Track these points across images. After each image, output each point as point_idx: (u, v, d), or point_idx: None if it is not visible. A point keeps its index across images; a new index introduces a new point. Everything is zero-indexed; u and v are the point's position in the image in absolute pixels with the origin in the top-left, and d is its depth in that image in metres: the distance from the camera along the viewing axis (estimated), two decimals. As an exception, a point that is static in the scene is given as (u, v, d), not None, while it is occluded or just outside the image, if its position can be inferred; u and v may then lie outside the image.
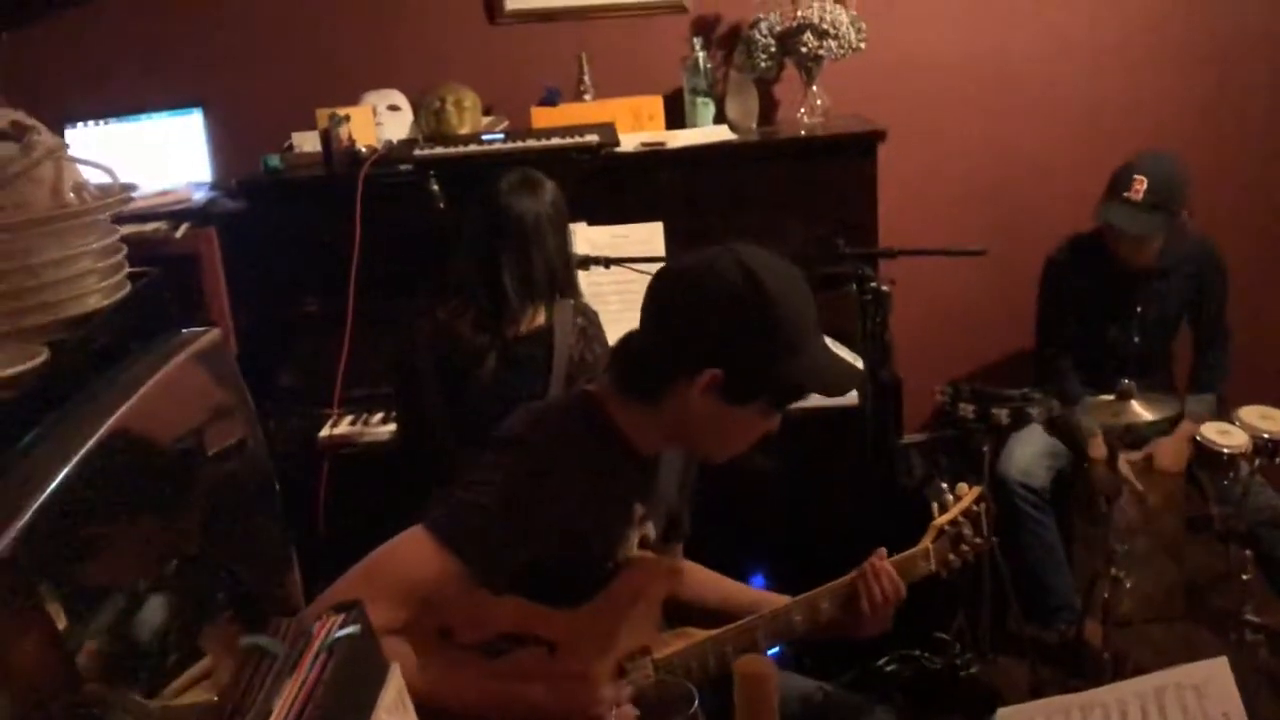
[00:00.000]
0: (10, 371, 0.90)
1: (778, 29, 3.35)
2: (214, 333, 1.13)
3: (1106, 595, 2.78)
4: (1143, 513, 3.07)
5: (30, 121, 1.01)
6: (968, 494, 1.96)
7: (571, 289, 2.61)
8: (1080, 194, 3.24)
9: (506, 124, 3.40)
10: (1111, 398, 2.66)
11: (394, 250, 3.06)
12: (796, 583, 1.86)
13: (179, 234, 2.95)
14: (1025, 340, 3.45)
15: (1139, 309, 3.24)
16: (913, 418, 3.47)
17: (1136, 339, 3.26)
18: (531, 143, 3.11)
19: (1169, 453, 3.06)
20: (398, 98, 3.43)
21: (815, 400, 2.91)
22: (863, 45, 3.34)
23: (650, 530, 1.75)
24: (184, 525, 1.07)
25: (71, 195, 0.99)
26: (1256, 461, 2.70)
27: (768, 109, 3.59)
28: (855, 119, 3.42)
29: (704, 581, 1.93)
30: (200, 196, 3.16)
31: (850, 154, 3.26)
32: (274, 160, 3.24)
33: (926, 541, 1.89)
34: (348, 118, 3.20)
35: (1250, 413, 2.76)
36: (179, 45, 3.46)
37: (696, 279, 1.53)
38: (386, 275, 3.04)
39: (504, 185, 2.55)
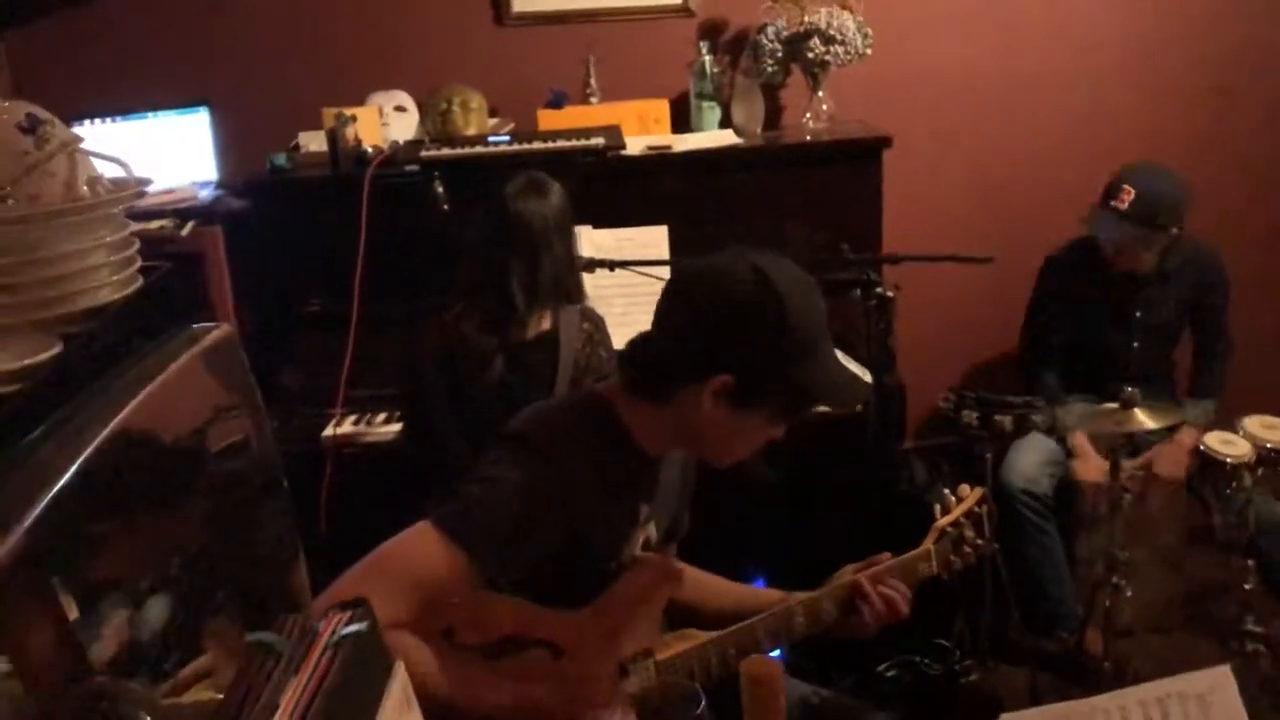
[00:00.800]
0: (23, 364, 0.90)
1: (785, 34, 3.36)
2: (224, 328, 1.13)
3: (1108, 604, 2.78)
4: (1142, 519, 3.07)
5: (45, 115, 1.01)
6: (970, 496, 1.96)
7: (577, 293, 2.61)
8: (1085, 202, 3.24)
9: (512, 126, 3.41)
10: (1114, 406, 2.66)
11: (399, 251, 3.06)
12: (799, 588, 1.86)
13: (184, 232, 2.95)
14: (1029, 348, 3.45)
15: (1138, 314, 3.25)
16: (916, 424, 3.48)
17: (1136, 345, 3.26)
18: (537, 145, 3.11)
19: (1168, 460, 3.05)
20: (404, 99, 3.44)
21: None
22: (869, 52, 3.35)
23: (653, 531, 1.76)
24: (192, 520, 1.07)
25: (85, 188, 1.00)
26: (1259, 471, 2.70)
27: (773, 114, 3.60)
28: (861, 125, 3.42)
29: (702, 583, 1.93)
30: (206, 195, 3.16)
31: (856, 160, 3.27)
32: (280, 159, 3.24)
33: (928, 543, 1.89)
34: (354, 118, 3.21)
35: (1254, 422, 2.77)
36: (186, 44, 3.47)
37: (711, 284, 1.53)
38: (391, 276, 3.04)
39: (511, 189, 2.55)
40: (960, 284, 3.56)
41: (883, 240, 3.24)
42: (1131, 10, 3.65)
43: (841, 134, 3.37)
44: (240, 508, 1.15)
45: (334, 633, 1.17)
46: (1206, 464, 2.80)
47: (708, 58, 3.44)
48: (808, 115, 3.42)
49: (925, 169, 3.65)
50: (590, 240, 3.02)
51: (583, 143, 3.11)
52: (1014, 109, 3.71)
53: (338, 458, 2.93)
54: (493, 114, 3.44)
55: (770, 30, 3.38)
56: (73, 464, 0.88)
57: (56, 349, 0.94)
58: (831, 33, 3.28)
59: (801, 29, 3.31)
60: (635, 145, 3.23)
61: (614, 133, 3.16)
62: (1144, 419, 2.62)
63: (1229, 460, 2.73)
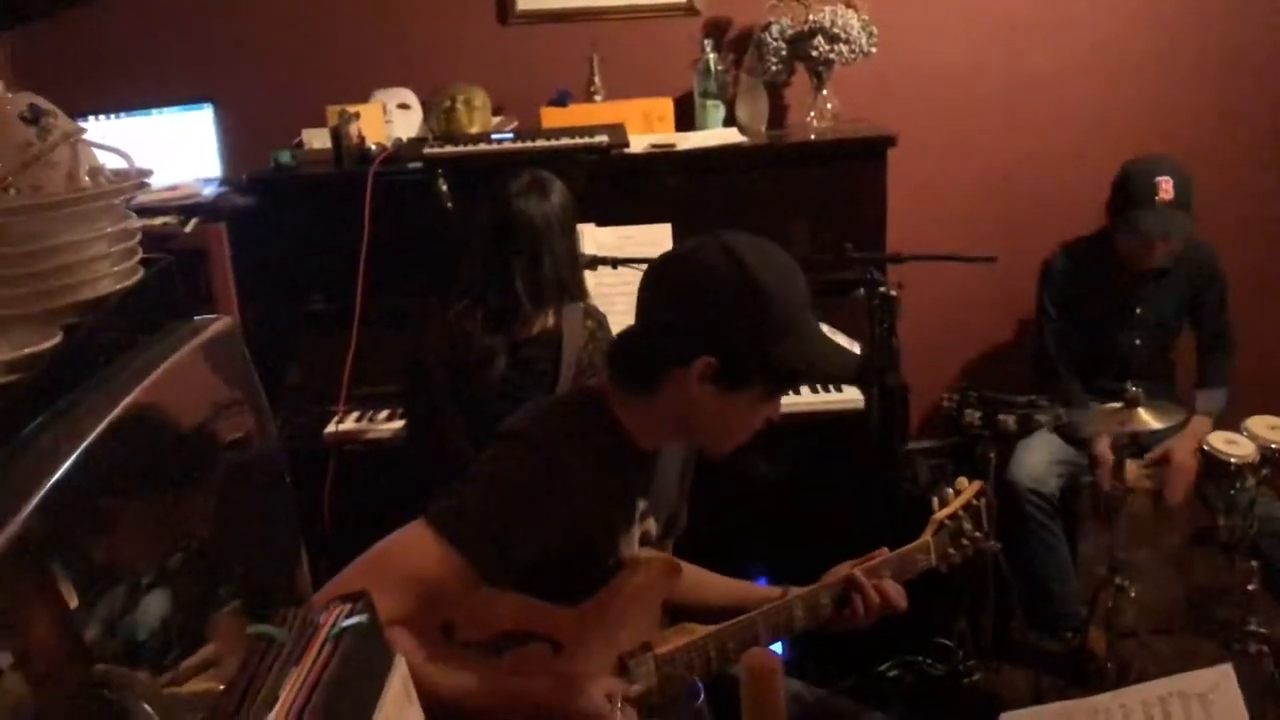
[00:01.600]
0: (23, 353, 0.90)
1: (789, 33, 3.36)
2: (226, 320, 1.13)
3: (1111, 604, 2.78)
4: (1157, 517, 3.06)
5: (47, 105, 1.01)
6: (968, 489, 1.96)
7: (580, 291, 2.61)
8: (1090, 201, 3.24)
9: (516, 124, 3.41)
10: (1119, 405, 2.65)
11: (402, 248, 3.07)
12: (798, 585, 1.86)
13: (188, 229, 2.96)
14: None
15: (1138, 311, 3.25)
16: (919, 424, 3.48)
17: (1137, 342, 3.26)
18: (541, 143, 3.12)
19: (1183, 451, 3.04)
20: (408, 96, 3.44)
21: (820, 404, 2.95)
22: (873, 50, 3.35)
23: (652, 527, 1.76)
24: (193, 512, 1.07)
25: (87, 179, 1.00)
26: (1263, 472, 2.70)
27: (778, 113, 3.60)
28: (865, 124, 3.43)
29: (699, 579, 1.93)
30: (210, 192, 3.17)
31: (860, 159, 3.26)
32: (284, 156, 3.25)
33: (927, 535, 1.89)
34: (358, 115, 3.21)
35: (1258, 423, 2.76)
36: (191, 41, 3.48)
37: (683, 267, 1.55)
38: (394, 273, 3.05)
39: (513, 188, 2.55)
40: (964, 283, 3.56)
41: (886, 239, 3.24)
42: (1137, 9, 3.65)
43: (845, 133, 3.37)
44: (242, 500, 1.15)
45: (334, 625, 1.18)
46: (1210, 464, 2.79)
47: (712, 56, 3.44)
48: (812, 114, 3.42)
49: (929, 168, 3.65)
50: (593, 238, 3.02)
51: (586, 141, 3.11)
52: (1018, 108, 3.71)
53: (340, 455, 2.93)
54: (496, 112, 3.45)
55: (775, 29, 3.38)
56: (72, 454, 0.87)
57: (56, 339, 0.94)
58: (836, 31, 3.28)
59: (806, 27, 3.31)
60: (639, 144, 3.23)
61: (618, 131, 3.16)
62: (1148, 418, 2.62)
63: (1233, 461, 2.72)
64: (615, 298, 2.97)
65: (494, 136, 3.17)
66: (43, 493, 0.82)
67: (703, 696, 1.26)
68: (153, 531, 1.01)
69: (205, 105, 3.37)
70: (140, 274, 1.06)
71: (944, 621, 2.94)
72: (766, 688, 1.26)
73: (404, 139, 3.28)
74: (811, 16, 3.31)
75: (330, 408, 3.00)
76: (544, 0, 3.55)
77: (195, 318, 1.12)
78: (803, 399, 2.93)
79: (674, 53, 3.52)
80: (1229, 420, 3.03)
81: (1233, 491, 2.77)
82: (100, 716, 0.85)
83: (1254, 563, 2.75)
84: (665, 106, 3.44)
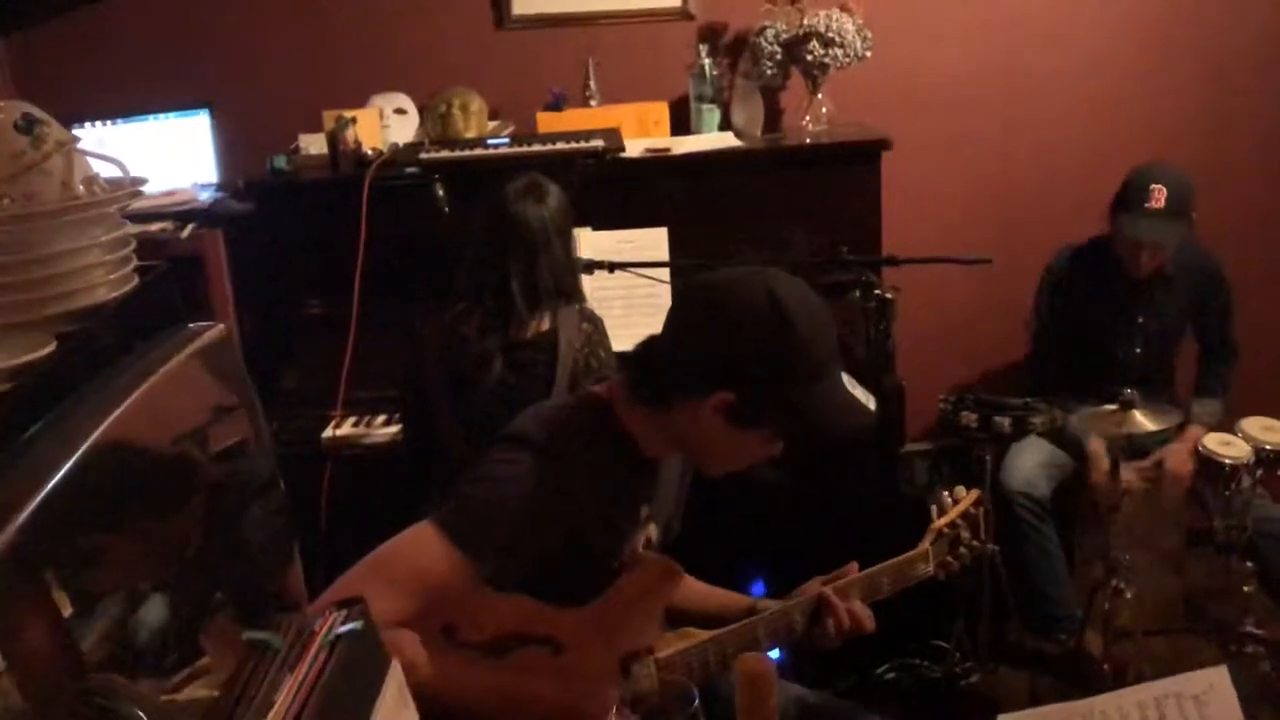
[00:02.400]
0: (17, 362, 0.90)
1: (784, 37, 3.36)
2: (219, 327, 1.13)
3: (1107, 606, 2.78)
4: (1152, 519, 3.07)
5: (41, 114, 1.01)
6: (966, 497, 1.97)
7: (576, 294, 2.62)
8: (1085, 204, 3.24)
9: (512, 128, 3.42)
10: (1114, 408, 2.66)
11: (399, 253, 3.08)
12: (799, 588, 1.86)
13: (184, 235, 2.96)
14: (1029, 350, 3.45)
15: (1140, 319, 3.24)
16: (915, 426, 3.47)
17: (1138, 349, 3.26)
18: (537, 147, 3.12)
19: (1177, 457, 3.05)
20: (404, 101, 3.45)
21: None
22: (868, 54, 3.35)
23: (653, 531, 1.76)
24: (187, 519, 1.07)
25: (81, 188, 1.00)
26: (1258, 473, 2.71)
27: (773, 116, 3.61)
28: (860, 127, 3.43)
29: (696, 589, 1.94)
30: (206, 197, 3.17)
31: (855, 162, 3.27)
32: (280, 162, 3.25)
33: (925, 544, 1.90)
34: (354, 120, 3.22)
35: (1252, 424, 2.77)
36: (187, 46, 3.48)
37: (723, 299, 1.54)
38: (391, 278, 3.06)
39: (510, 191, 2.56)
40: (959, 286, 3.56)
41: (882, 242, 3.24)
42: (1134, 12, 3.65)
43: (840, 136, 3.37)
44: (236, 507, 1.15)
45: (330, 631, 1.18)
46: (1206, 465, 2.80)
47: (707, 60, 3.45)
48: (807, 118, 3.43)
49: (924, 171, 3.65)
50: (590, 242, 3.03)
51: (582, 145, 3.11)
52: (1013, 111, 3.71)
53: (337, 459, 2.93)
54: (492, 116, 3.45)
55: (769, 33, 3.38)
56: (67, 463, 0.88)
57: (51, 347, 0.94)
58: (830, 35, 3.29)
59: (800, 32, 3.31)
60: (634, 147, 3.23)
61: (613, 135, 3.16)
62: (1144, 420, 2.62)
63: (1228, 462, 2.73)
64: (612, 301, 2.98)
65: (490, 141, 3.17)
66: (37, 501, 0.82)
67: (697, 700, 1.27)
68: (147, 539, 1.01)
69: (202, 111, 3.37)
70: (135, 282, 1.07)
71: (941, 624, 2.95)
72: (760, 691, 1.27)
73: (400, 144, 3.28)
74: (806, 20, 3.31)
75: (327, 412, 3.00)
76: (539, 5, 3.55)
77: (189, 325, 1.13)
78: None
79: (669, 57, 3.53)
80: (1224, 422, 3.04)
81: (1228, 492, 2.78)
82: (95, 724, 0.85)
83: (1250, 564, 2.76)
84: (661, 111, 3.44)
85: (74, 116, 3.19)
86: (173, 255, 2.87)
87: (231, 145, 3.40)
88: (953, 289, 3.59)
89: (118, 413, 0.95)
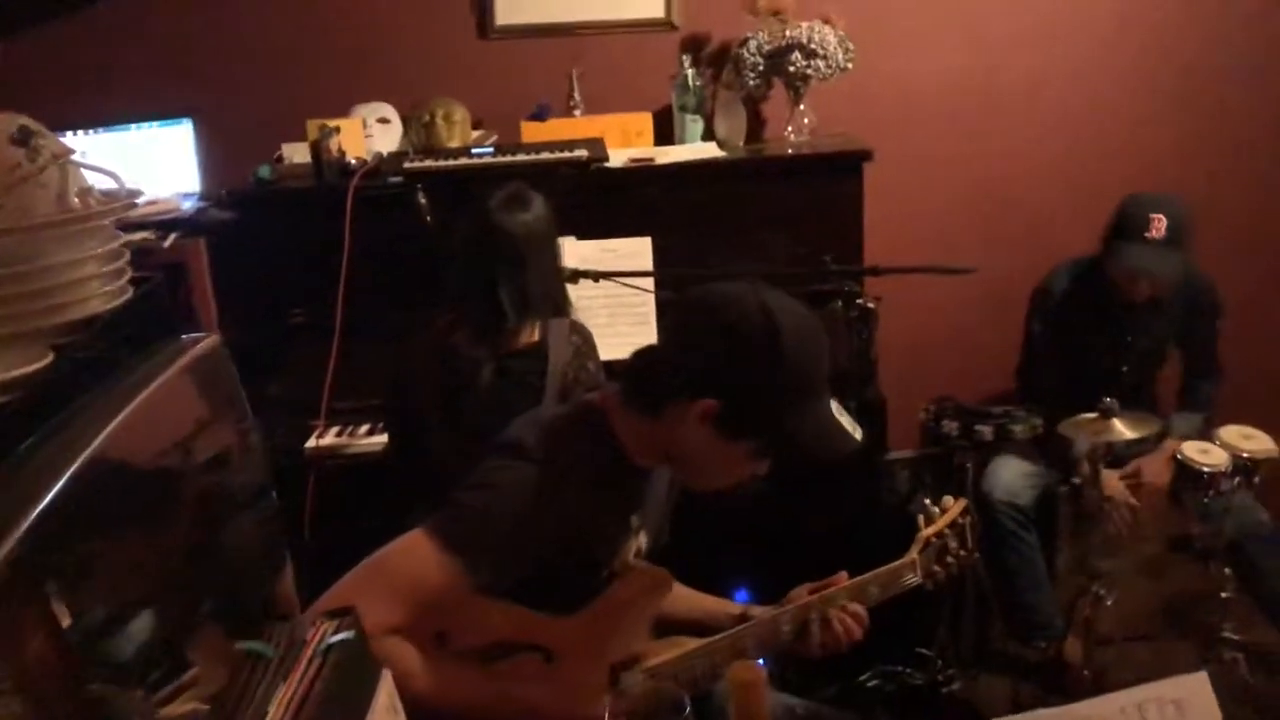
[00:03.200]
0: (15, 374, 0.91)
1: (766, 48, 3.38)
2: (213, 338, 1.14)
3: (1088, 613, 2.81)
4: (1134, 529, 3.09)
5: (36, 127, 1.02)
6: (953, 507, 1.99)
7: (564, 304, 2.63)
8: (1066, 215, 3.28)
9: (496, 138, 3.42)
10: (1094, 416, 2.68)
11: (383, 262, 3.07)
12: (782, 598, 1.87)
13: (167, 244, 2.95)
14: (1010, 359, 3.47)
15: (1130, 339, 3.22)
16: (897, 435, 3.49)
17: (1125, 368, 3.25)
18: (521, 157, 3.13)
19: (1154, 469, 3.07)
20: (388, 110, 3.45)
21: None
22: (850, 66, 3.37)
23: (644, 540, 1.77)
24: (182, 530, 1.08)
25: (76, 200, 1.01)
26: (1236, 480, 2.73)
27: (756, 127, 3.62)
28: (842, 138, 3.45)
29: (688, 597, 1.95)
30: (189, 207, 3.16)
31: (837, 172, 3.28)
32: (264, 171, 3.25)
33: (913, 553, 1.92)
34: (338, 130, 3.21)
35: (1231, 432, 2.80)
36: (170, 56, 3.47)
37: (718, 309, 1.56)
38: (375, 287, 3.05)
39: (494, 202, 2.55)
40: (941, 295, 3.58)
41: (864, 252, 3.26)
42: (1113, 23, 3.69)
43: (823, 147, 3.39)
44: (229, 517, 1.16)
45: (322, 640, 1.19)
46: (1184, 473, 2.83)
47: (690, 71, 3.46)
48: (789, 128, 3.45)
49: (906, 182, 3.67)
50: (574, 251, 3.04)
51: (566, 155, 3.12)
52: (994, 122, 3.74)
53: (321, 469, 2.93)
54: (476, 126, 3.45)
55: (752, 44, 3.40)
56: (65, 474, 0.88)
57: (48, 359, 0.94)
58: (813, 47, 3.31)
59: (783, 43, 3.33)
60: (618, 157, 3.24)
61: (597, 145, 3.18)
62: (1123, 429, 2.65)
63: (1206, 469, 2.76)
64: (597, 310, 2.98)
65: (474, 151, 3.17)
66: (37, 513, 0.83)
67: (688, 708, 1.28)
68: (142, 550, 1.02)
69: (185, 120, 3.36)
70: (130, 293, 1.07)
71: (924, 631, 2.96)
72: (751, 698, 1.28)
73: (384, 153, 3.28)
74: (789, 32, 3.33)
75: (311, 422, 3.00)
76: (523, 15, 3.56)
77: (183, 336, 1.13)
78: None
79: (652, 67, 3.54)
80: (1206, 431, 3.06)
81: (1206, 500, 2.80)
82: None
83: (1228, 570, 2.78)
84: (644, 121, 3.46)
85: (56, 125, 3.16)
86: (155, 265, 2.86)
87: (215, 154, 3.39)
88: (934, 299, 3.61)
89: (114, 425, 0.96)
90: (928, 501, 2.01)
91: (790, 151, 3.39)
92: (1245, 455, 2.73)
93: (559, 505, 1.56)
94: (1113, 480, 3.04)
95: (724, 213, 3.24)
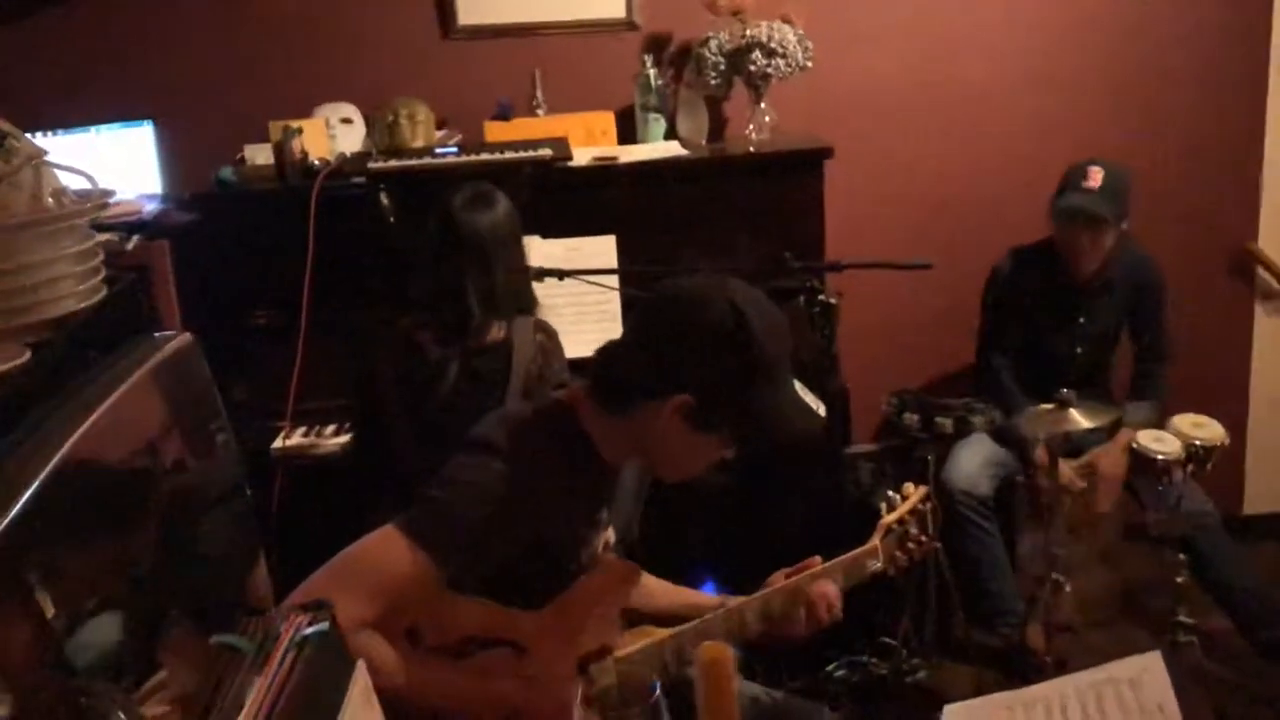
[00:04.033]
0: (-8, 371, 0.92)
1: (727, 47, 3.40)
2: (186, 337, 1.15)
3: (1048, 600, 2.86)
4: (1089, 519, 3.15)
5: (8, 128, 1.03)
6: (914, 494, 2.02)
7: (531, 302, 2.64)
8: (1023, 209, 3.33)
9: (459, 138, 3.43)
10: (1051, 406, 2.74)
11: (347, 263, 3.07)
12: (746, 590, 1.90)
13: (130, 246, 2.94)
14: (970, 352, 3.53)
15: (1081, 320, 3.33)
16: (860, 428, 3.54)
17: (1078, 350, 3.35)
18: (485, 156, 3.13)
19: (1109, 459, 3.14)
20: (350, 111, 3.45)
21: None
22: (810, 64, 3.41)
23: (611, 535, 1.80)
24: (157, 526, 1.09)
25: (50, 200, 1.02)
26: (1189, 468, 2.79)
27: (717, 126, 3.65)
28: (803, 136, 3.49)
29: (654, 587, 1.97)
30: (152, 209, 3.14)
31: (798, 170, 3.32)
32: (226, 173, 3.24)
33: (875, 540, 1.95)
34: (300, 130, 3.21)
35: (1183, 421, 2.85)
36: (129, 57, 3.45)
37: (687, 306, 1.59)
38: (340, 287, 3.05)
39: (457, 201, 2.56)
40: (900, 290, 3.63)
41: (825, 248, 3.30)
42: (1066, 24, 3.74)
43: (784, 145, 3.42)
44: (204, 512, 1.17)
45: (296, 633, 1.20)
46: (1138, 461, 2.88)
47: (652, 70, 3.49)
48: (751, 127, 3.48)
49: (866, 178, 3.72)
50: (539, 250, 3.05)
51: (530, 154, 3.13)
52: (951, 119, 3.79)
53: (288, 470, 2.92)
54: (440, 126, 3.46)
55: (713, 43, 3.43)
56: (42, 472, 0.89)
57: (24, 357, 0.96)
58: (773, 46, 3.34)
59: (743, 42, 3.36)
60: (582, 156, 3.26)
61: (561, 144, 3.19)
62: (1079, 419, 2.70)
63: (1160, 457, 2.81)
64: (563, 309, 3.00)
65: (438, 150, 3.18)
66: (16, 508, 0.84)
67: (659, 692, 1.30)
68: (119, 546, 1.03)
69: (145, 122, 3.34)
70: (103, 292, 1.08)
71: (887, 621, 3.00)
72: (719, 677, 1.30)
73: (347, 154, 3.28)
74: (749, 31, 3.36)
75: (276, 423, 2.99)
76: (485, 15, 3.56)
77: (155, 335, 1.15)
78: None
79: (615, 67, 3.56)
80: (1159, 419, 3.13)
81: (1160, 487, 2.86)
82: (76, 724, 0.87)
83: (1182, 556, 2.84)
84: (607, 120, 3.48)
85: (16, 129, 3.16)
86: (119, 267, 2.85)
87: (176, 156, 3.38)
88: (895, 293, 3.65)
89: (90, 423, 0.97)
90: (892, 491, 2.05)
91: (752, 150, 3.42)
92: (1198, 443, 2.79)
93: (528, 502, 1.58)
94: (1069, 470, 3.10)
95: (687, 211, 3.27)
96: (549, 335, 2.62)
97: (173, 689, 1.08)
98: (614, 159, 3.28)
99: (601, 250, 3.15)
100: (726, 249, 3.22)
